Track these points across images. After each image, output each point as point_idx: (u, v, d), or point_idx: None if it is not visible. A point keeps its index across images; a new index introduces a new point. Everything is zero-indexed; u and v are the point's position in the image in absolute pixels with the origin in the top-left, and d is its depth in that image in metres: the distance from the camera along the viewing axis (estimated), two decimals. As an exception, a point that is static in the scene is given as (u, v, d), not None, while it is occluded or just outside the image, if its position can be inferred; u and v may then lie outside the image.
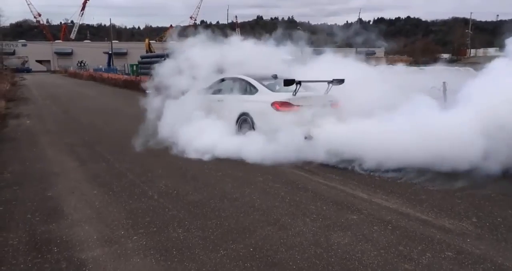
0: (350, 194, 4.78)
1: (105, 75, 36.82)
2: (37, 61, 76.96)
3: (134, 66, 40.74)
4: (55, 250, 3.39)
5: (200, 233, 3.69)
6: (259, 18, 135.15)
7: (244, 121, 7.21)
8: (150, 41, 55.32)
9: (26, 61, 74.12)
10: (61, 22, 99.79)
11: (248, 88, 7.59)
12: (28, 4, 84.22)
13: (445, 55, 60.39)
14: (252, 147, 6.35)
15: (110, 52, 56.90)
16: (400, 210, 4.23)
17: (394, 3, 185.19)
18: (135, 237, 3.62)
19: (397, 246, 3.40)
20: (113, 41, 61.85)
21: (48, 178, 5.63)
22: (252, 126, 6.99)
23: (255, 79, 7.59)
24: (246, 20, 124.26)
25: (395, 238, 3.56)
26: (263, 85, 7.41)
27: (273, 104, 6.76)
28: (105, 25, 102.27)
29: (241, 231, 3.72)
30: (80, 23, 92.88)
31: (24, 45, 79.20)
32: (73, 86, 30.54)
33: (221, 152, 6.55)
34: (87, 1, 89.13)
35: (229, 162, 6.33)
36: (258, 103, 7.02)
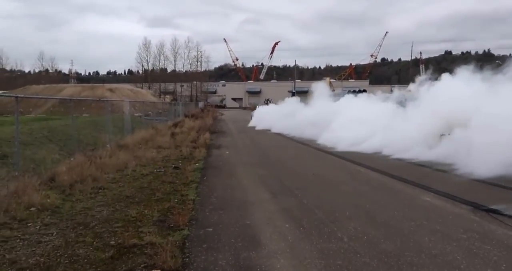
0: None
1: (288, 112, 39.75)
2: (232, 99, 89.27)
3: (315, 104, 42.70)
4: (256, 278, 3.64)
5: (398, 288, 3.41)
6: (447, 53, 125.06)
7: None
8: (331, 80, 57.42)
9: (224, 99, 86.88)
10: (253, 65, 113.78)
11: (256, 106, 39.74)
12: (229, 51, 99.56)
13: None
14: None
15: (293, 90, 61.30)
16: None
17: None
18: (328, 280, 3.59)
19: None
20: (296, 81, 66.74)
21: (245, 206, 6.22)
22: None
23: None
24: (432, 55, 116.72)
25: None
26: (260, 105, 41.13)
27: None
28: (289, 66, 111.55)
29: (447, 295, 3.28)
30: (269, 65, 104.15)
31: (223, 85, 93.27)
32: (260, 121, 33.89)
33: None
34: (276, 45, 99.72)
35: (422, 210, 5.81)
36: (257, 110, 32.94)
